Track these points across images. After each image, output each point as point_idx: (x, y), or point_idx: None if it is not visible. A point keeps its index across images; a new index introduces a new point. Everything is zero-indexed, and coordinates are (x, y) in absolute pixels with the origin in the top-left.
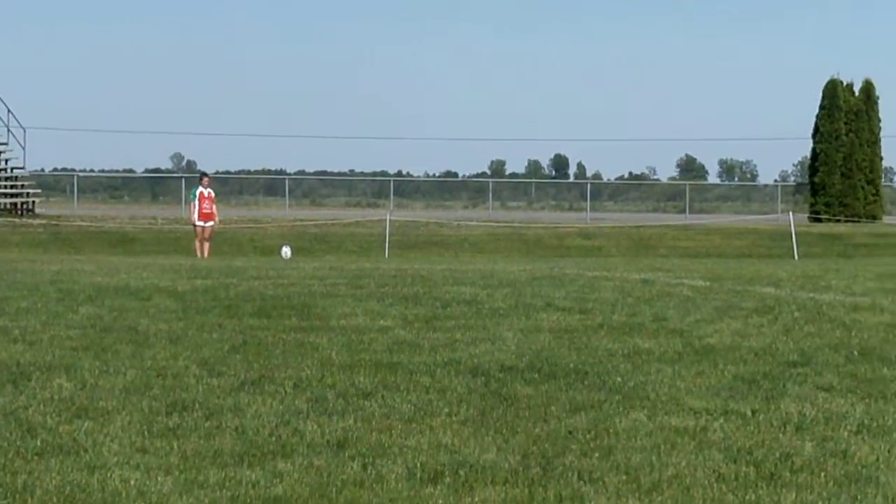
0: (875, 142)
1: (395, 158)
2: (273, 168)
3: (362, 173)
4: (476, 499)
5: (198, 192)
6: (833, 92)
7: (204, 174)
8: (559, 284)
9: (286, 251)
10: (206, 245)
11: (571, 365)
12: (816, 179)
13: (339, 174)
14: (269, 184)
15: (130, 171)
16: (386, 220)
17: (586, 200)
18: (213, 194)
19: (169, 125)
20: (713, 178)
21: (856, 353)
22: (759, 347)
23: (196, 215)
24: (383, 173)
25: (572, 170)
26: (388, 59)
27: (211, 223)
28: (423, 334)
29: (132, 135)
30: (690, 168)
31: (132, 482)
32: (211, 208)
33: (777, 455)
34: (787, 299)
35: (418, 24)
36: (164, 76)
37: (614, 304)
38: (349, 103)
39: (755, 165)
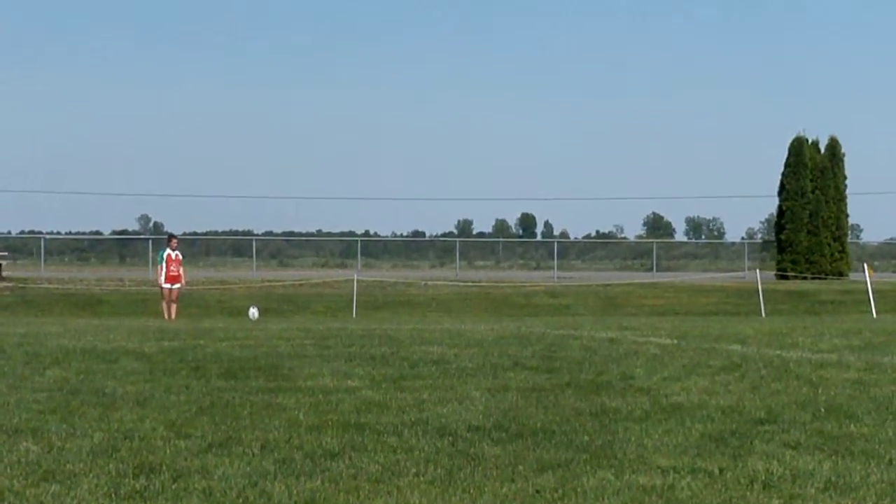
0: (841, 199)
1: (363, 219)
2: (240, 229)
3: (329, 234)
4: None
5: (165, 255)
6: (799, 149)
7: (172, 236)
8: (526, 343)
9: (254, 312)
10: (174, 307)
11: (539, 424)
12: (783, 237)
13: (307, 234)
14: (237, 245)
15: (97, 232)
16: (353, 280)
17: (553, 259)
18: (180, 256)
19: (136, 187)
20: (680, 236)
21: (823, 410)
22: (726, 405)
23: (163, 277)
24: (351, 234)
25: (539, 228)
26: (354, 119)
27: (178, 285)
28: (390, 394)
29: (99, 196)
30: (658, 226)
31: None
32: (178, 270)
33: None
34: (755, 357)
35: (380, 84)
36: (130, 137)
37: (581, 363)
38: (316, 164)
39: (722, 223)
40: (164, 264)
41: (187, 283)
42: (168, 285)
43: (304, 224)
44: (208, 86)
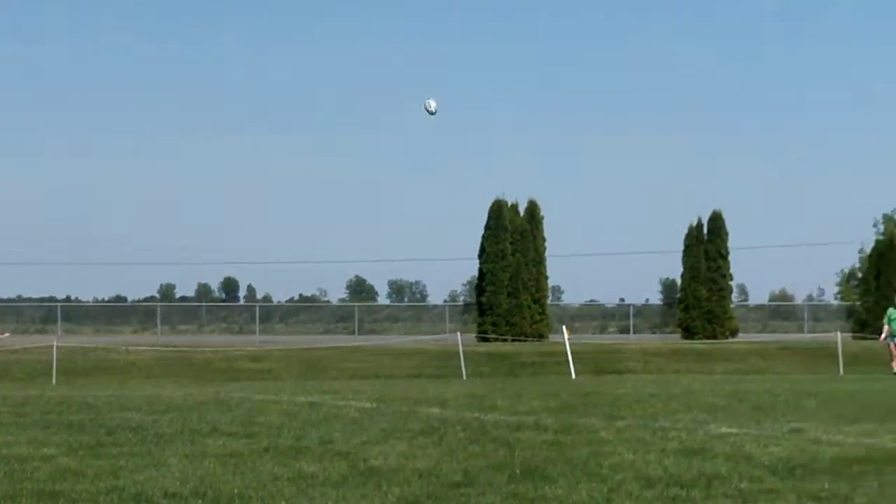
0: (540, 261)
1: (64, 283)
2: None
3: (30, 299)
4: None
5: None
6: (498, 212)
7: None
8: (226, 409)
9: None
10: None
11: (235, 490)
12: (484, 299)
13: (7, 300)
14: None
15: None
16: (53, 346)
17: (256, 323)
18: None
19: None
20: (383, 299)
21: (518, 472)
22: (423, 468)
23: None
24: (51, 298)
25: (242, 292)
26: (51, 181)
27: None
28: (87, 462)
29: None
30: (360, 289)
31: None
32: None
33: None
34: (453, 419)
35: (75, 144)
36: None
37: (280, 428)
38: (18, 228)
39: (425, 286)
40: None
41: None
42: None
43: (5, 290)
44: None
